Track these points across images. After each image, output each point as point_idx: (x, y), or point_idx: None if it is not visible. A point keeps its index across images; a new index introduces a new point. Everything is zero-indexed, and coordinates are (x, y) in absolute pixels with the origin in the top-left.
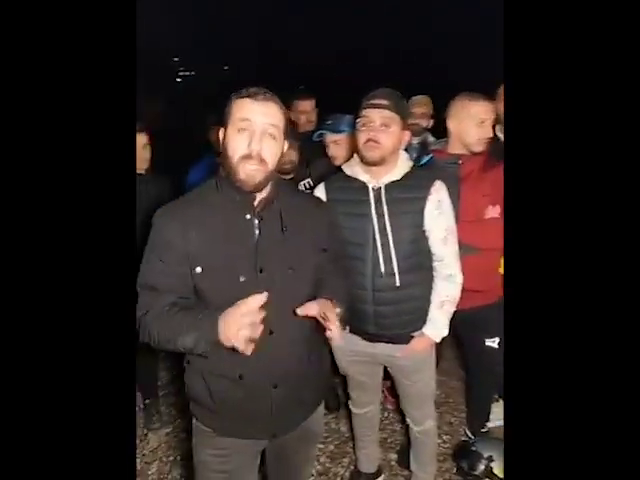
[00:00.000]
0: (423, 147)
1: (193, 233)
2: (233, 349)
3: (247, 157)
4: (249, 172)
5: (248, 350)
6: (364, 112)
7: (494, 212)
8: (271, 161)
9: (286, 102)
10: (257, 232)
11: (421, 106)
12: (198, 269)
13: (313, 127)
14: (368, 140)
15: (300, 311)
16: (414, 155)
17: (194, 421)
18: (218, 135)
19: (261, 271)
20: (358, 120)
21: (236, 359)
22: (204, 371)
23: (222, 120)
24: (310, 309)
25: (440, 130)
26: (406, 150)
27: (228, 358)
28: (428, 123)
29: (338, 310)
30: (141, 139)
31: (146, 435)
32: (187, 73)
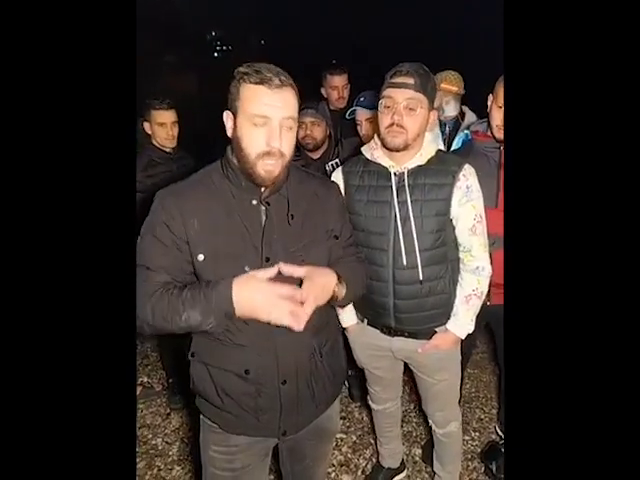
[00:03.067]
0: (458, 123)
1: (195, 219)
2: (237, 342)
3: (266, 154)
4: (268, 168)
5: (298, 324)
6: (387, 92)
7: None
8: (289, 153)
9: (318, 77)
10: (264, 219)
11: (451, 84)
12: (200, 257)
13: (345, 104)
14: (392, 124)
15: (285, 269)
16: (447, 130)
17: (201, 416)
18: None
19: (267, 260)
20: (380, 101)
21: (241, 353)
22: (209, 365)
23: (228, 102)
24: (296, 271)
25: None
26: (441, 125)
27: (233, 351)
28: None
29: (343, 291)
30: (170, 116)
31: (169, 414)
32: (224, 48)
